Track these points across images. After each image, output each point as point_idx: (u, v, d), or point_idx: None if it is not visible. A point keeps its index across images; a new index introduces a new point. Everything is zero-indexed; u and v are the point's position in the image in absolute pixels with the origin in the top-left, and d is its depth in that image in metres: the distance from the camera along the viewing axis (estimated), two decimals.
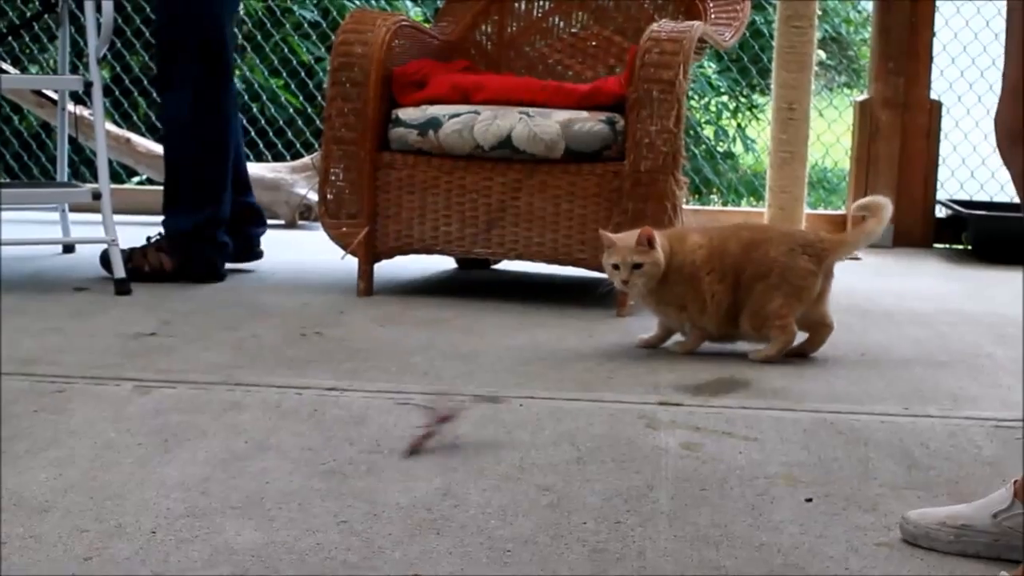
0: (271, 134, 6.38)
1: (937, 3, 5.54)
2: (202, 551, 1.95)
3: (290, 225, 5.48)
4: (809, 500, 2.24)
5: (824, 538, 2.07)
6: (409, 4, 7.26)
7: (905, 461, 2.48)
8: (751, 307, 3.28)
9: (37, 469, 2.29)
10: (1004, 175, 5.70)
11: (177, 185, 4.18)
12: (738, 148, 7.86)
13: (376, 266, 4.04)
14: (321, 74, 6.57)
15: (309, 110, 6.46)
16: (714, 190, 7.22)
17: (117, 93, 6.57)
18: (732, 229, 3.43)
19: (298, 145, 6.34)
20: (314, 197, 4.64)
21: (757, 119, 7.95)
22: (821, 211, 6.09)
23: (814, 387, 3.04)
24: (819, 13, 5.65)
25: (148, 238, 4.21)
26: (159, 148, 5.61)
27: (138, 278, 4.00)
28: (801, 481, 2.35)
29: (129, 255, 4.05)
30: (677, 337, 3.40)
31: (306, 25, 6.72)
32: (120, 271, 3.94)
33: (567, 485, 2.29)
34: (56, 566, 1.87)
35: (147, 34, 6.45)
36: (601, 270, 3.87)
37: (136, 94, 6.64)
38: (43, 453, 2.39)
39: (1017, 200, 6.16)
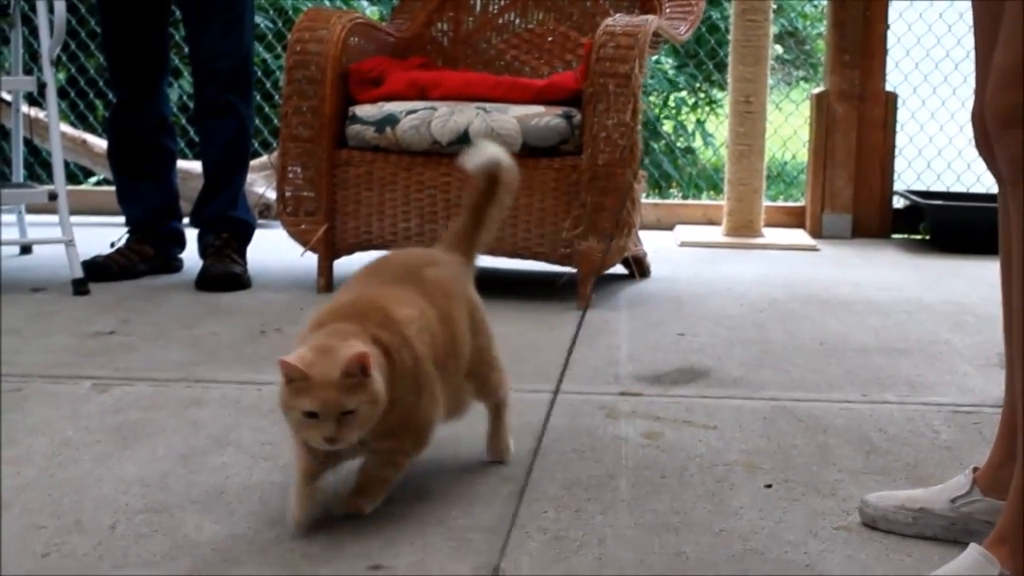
0: None
1: None
2: (162, 545, 1.94)
3: None
4: (768, 486, 2.25)
5: (783, 523, 2.08)
6: (365, 3, 7.25)
7: (864, 447, 2.49)
8: (481, 367, 2.34)
9: None
10: (960, 166, 5.77)
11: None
12: (698, 143, 7.88)
13: (336, 263, 4.04)
14: (278, 73, 6.55)
15: (266, 109, 6.44)
16: (674, 184, 7.24)
17: (73, 95, 6.54)
18: (415, 271, 2.25)
19: (256, 144, 6.31)
20: (273, 195, 4.63)
21: (716, 114, 7.97)
22: (780, 203, 6.11)
23: (773, 376, 3.05)
24: (774, 7, 5.68)
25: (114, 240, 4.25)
26: None
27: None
28: (760, 468, 2.36)
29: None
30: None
31: (262, 26, 6.69)
32: (78, 270, 3.93)
33: (528, 475, 2.29)
34: (14, 562, 1.86)
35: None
36: (562, 263, 3.88)
37: (92, 95, 6.60)
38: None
39: (975, 191, 6.15)
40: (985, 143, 1.86)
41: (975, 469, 2.03)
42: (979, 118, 1.87)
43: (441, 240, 2.46)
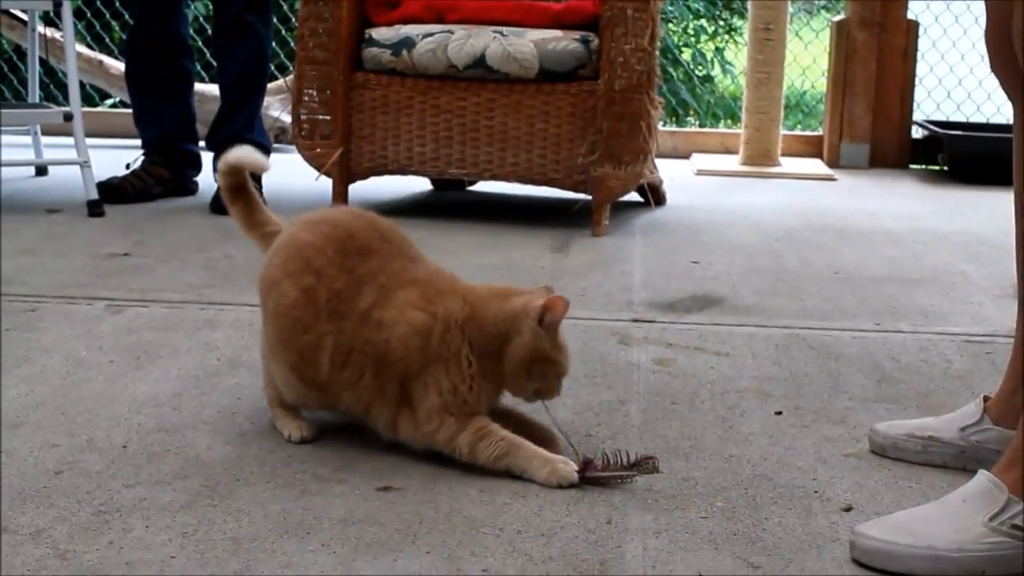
0: None
1: None
2: (173, 464, 1.95)
3: None
4: (779, 413, 2.25)
5: (793, 450, 2.08)
6: None
7: (875, 375, 2.49)
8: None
9: (9, 386, 2.29)
10: (980, 96, 5.72)
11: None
12: (716, 71, 7.83)
13: (351, 187, 4.03)
14: None
15: (283, 32, 6.41)
16: (691, 112, 7.20)
17: (89, 15, 6.51)
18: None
19: (272, 67, 6.28)
20: (288, 119, 4.62)
21: (735, 42, 7.92)
22: (798, 132, 6.08)
23: (787, 304, 3.05)
24: None
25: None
26: None
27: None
28: (771, 395, 2.36)
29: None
30: None
31: None
32: (93, 192, 3.93)
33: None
34: (27, 479, 1.87)
35: None
36: (577, 189, 3.87)
37: (108, 16, 6.57)
38: (15, 370, 2.39)
39: (995, 121, 6.09)
40: (999, 63, 1.84)
41: (986, 398, 2.03)
42: (992, 38, 1.85)
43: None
